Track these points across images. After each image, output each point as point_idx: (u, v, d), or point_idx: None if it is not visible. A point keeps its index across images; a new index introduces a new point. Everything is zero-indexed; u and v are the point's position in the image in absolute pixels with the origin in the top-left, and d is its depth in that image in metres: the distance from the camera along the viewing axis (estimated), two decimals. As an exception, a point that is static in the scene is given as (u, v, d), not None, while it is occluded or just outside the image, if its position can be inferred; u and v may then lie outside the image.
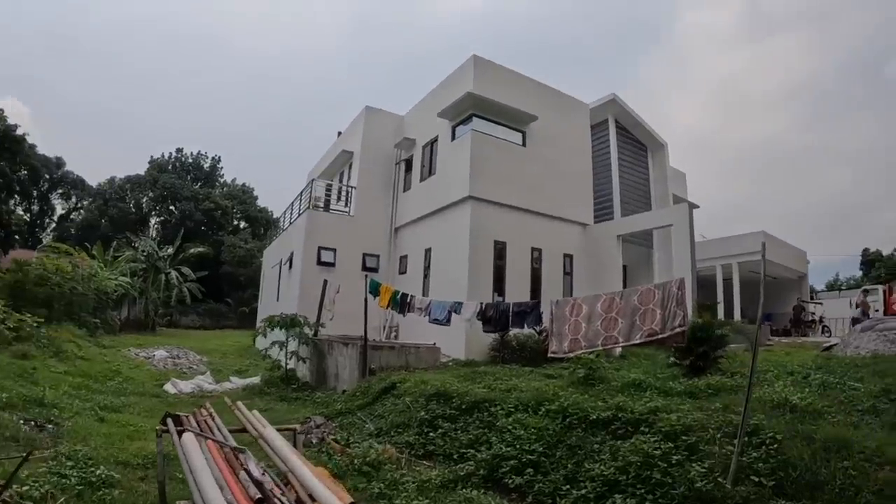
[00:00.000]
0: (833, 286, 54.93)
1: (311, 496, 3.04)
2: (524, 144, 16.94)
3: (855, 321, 21.00)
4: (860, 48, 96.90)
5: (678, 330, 5.99)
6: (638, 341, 6.26)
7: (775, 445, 5.00)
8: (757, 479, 4.57)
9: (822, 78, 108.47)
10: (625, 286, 16.14)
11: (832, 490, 4.52)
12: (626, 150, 21.13)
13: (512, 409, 7.17)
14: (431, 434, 7.30)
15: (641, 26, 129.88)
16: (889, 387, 7.36)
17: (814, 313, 27.50)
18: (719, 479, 4.57)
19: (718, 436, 5.33)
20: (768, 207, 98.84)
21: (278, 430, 4.46)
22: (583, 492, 5.00)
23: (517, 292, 14.96)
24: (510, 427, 6.64)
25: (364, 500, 5.29)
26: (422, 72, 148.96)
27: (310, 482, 3.14)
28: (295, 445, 4.54)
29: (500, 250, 15.47)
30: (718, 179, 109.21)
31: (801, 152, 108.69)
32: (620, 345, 6.65)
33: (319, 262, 17.63)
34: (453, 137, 16.81)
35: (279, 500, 3.02)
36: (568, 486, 5.20)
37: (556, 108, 18.10)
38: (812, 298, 31.11)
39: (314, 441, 7.72)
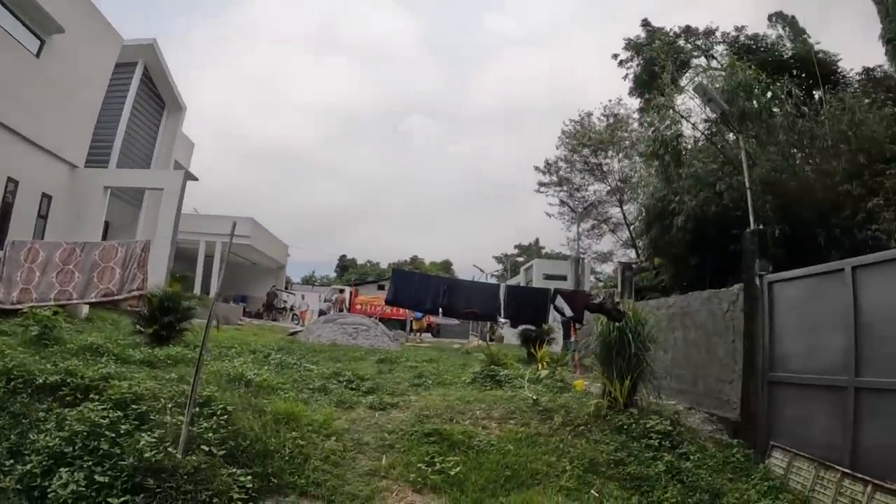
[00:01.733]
0: (308, 280, 63.11)
1: None
2: (38, 55, 13.97)
3: (322, 313, 25.46)
4: (391, 101, 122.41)
5: (136, 293, 6.17)
6: (93, 300, 6.13)
7: (226, 416, 5.13)
8: (208, 449, 4.59)
9: (353, 107, 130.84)
10: (104, 243, 15.15)
11: (282, 458, 4.91)
12: (143, 101, 19.86)
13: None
14: None
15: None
16: (338, 370, 8.66)
17: (286, 301, 31.38)
18: (170, 449, 4.46)
19: (170, 406, 5.27)
20: (272, 202, 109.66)
21: None
22: (28, 466, 4.34)
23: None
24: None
25: None
26: None
27: None
28: None
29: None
30: (238, 166, 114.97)
31: (313, 162, 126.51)
32: (74, 301, 6.29)
33: None
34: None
35: None
36: (12, 461, 4.51)
37: (90, 29, 15.67)
38: (287, 288, 35.89)
39: None
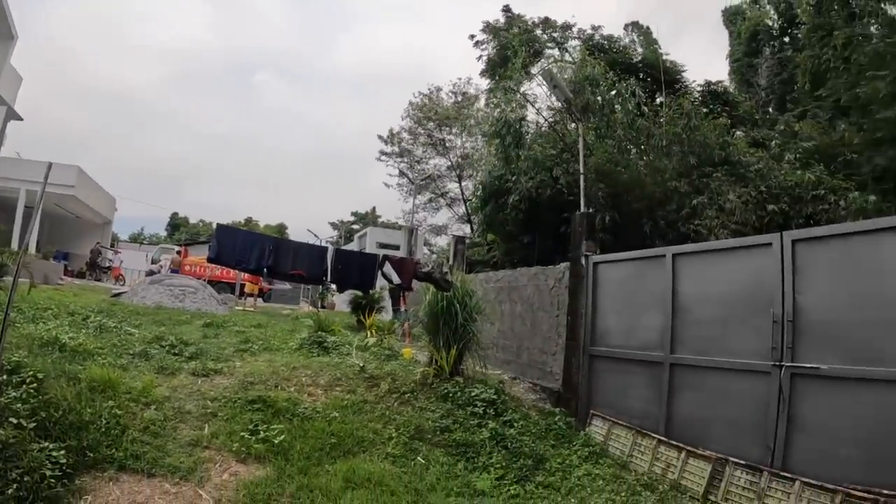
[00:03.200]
0: (136, 238, 57.07)
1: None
2: None
3: (150, 273, 22.29)
4: (242, 53, 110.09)
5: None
6: None
7: (37, 385, 4.63)
8: (16, 421, 4.12)
9: (201, 53, 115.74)
10: None
11: (98, 429, 4.49)
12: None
13: None
14: None
15: None
16: (160, 334, 8.04)
17: (111, 260, 27.45)
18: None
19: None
20: (105, 150, 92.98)
21: None
22: None
23: None
24: None
25: None
26: None
27: None
28: None
29: None
30: (73, 108, 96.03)
31: (151, 109, 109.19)
32: None
33: None
34: None
35: None
36: None
37: None
38: (113, 246, 31.14)
39: None
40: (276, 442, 5.00)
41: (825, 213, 9.32)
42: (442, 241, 35.72)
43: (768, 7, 24.83)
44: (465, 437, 5.77)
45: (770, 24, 24.23)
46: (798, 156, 11.34)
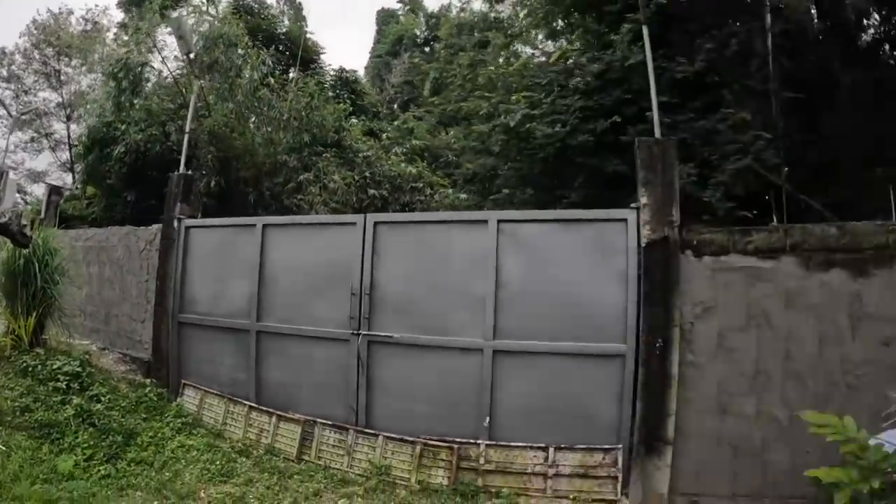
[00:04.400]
0: None
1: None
2: None
3: None
4: None
5: None
6: None
7: None
8: None
9: None
10: None
11: None
12: None
13: None
14: None
15: None
16: None
17: None
18: None
19: None
20: None
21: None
22: None
23: None
24: None
25: None
26: None
27: None
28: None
29: None
30: None
31: None
32: None
33: None
34: None
35: None
36: None
37: None
38: None
39: None
40: None
41: (420, 203, 10.92)
42: (39, 190, 29.33)
43: (421, 19, 28.12)
44: (48, 416, 5.28)
45: (417, 33, 27.48)
46: (406, 151, 13.23)
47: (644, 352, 4.93)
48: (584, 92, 6.80)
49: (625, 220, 5.13)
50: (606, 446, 5.05)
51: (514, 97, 7.70)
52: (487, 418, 5.24)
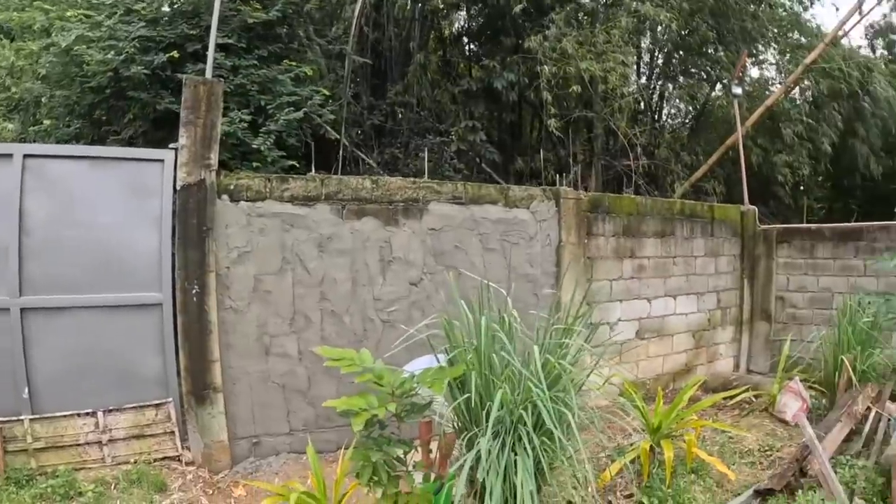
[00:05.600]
0: None
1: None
2: None
3: None
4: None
5: None
6: None
7: None
8: None
9: None
10: None
11: None
12: None
13: None
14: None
15: None
16: None
17: None
18: None
19: None
20: None
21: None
22: None
23: None
24: None
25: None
26: None
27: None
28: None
29: None
30: None
31: None
32: None
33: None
34: None
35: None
36: None
37: None
38: None
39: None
40: None
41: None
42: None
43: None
44: None
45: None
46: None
47: (181, 299, 4.75)
48: (150, 20, 6.09)
49: (162, 160, 4.79)
50: (157, 402, 4.77)
51: (69, 13, 6.41)
52: (27, 389, 4.45)
